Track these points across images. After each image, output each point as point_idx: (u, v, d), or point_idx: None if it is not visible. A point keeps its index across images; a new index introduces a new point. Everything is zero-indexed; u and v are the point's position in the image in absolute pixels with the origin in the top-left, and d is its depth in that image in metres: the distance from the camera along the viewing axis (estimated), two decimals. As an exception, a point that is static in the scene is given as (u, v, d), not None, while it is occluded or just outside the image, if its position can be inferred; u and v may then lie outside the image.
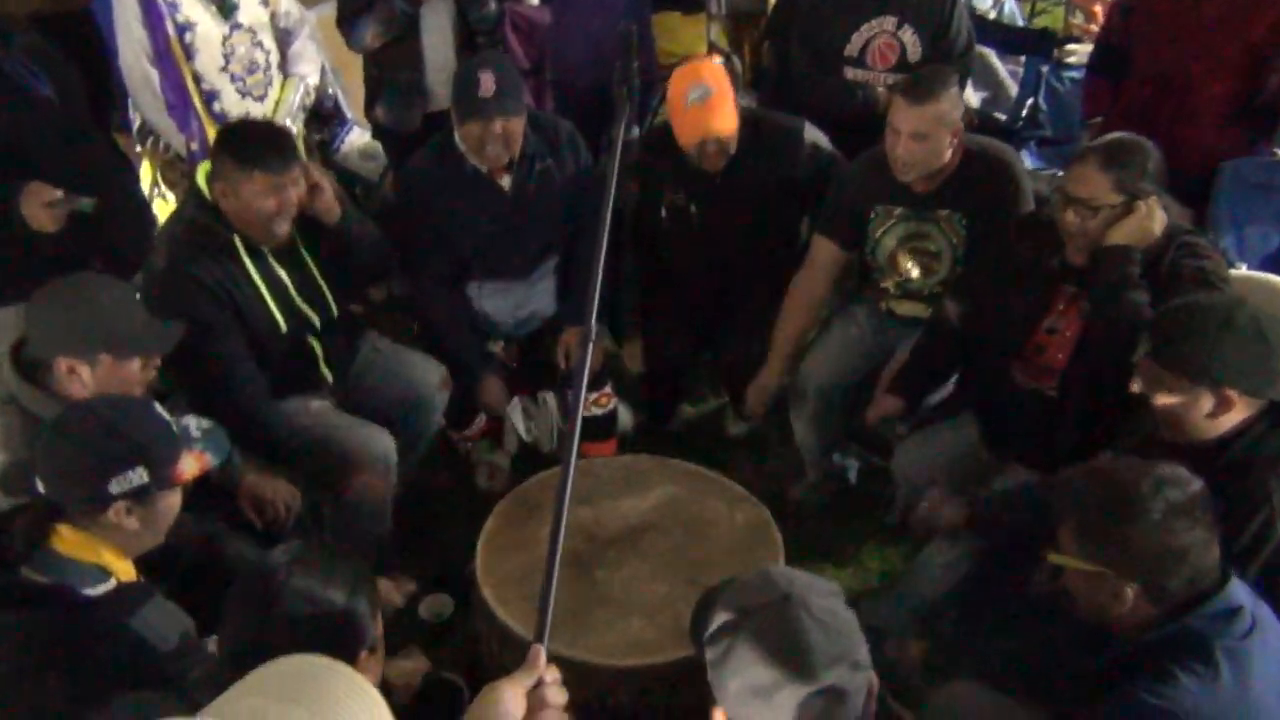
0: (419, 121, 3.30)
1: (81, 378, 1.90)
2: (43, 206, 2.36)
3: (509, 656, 2.02)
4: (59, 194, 2.36)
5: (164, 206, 3.27)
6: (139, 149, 3.20)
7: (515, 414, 3.03)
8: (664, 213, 2.94)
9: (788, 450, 3.13)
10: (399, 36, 3.20)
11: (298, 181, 2.32)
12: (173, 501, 1.71)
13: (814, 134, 2.88)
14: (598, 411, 2.99)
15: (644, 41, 3.45)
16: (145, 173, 3.30)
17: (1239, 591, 1.47)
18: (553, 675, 1.17)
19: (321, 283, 2.49)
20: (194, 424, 1.78)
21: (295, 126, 3.07)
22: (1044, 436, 2.30)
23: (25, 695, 1.51)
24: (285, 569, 1.44)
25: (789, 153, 2.84)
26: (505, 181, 2.76)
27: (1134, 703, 1.43)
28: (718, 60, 2.92)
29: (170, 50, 2.82)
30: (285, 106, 3.07)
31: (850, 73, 3.13)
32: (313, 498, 2.44)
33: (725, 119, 2.69)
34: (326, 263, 2.50)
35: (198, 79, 2.89)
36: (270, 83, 3.04)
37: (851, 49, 3.11)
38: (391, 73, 3.28)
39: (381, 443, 2.52)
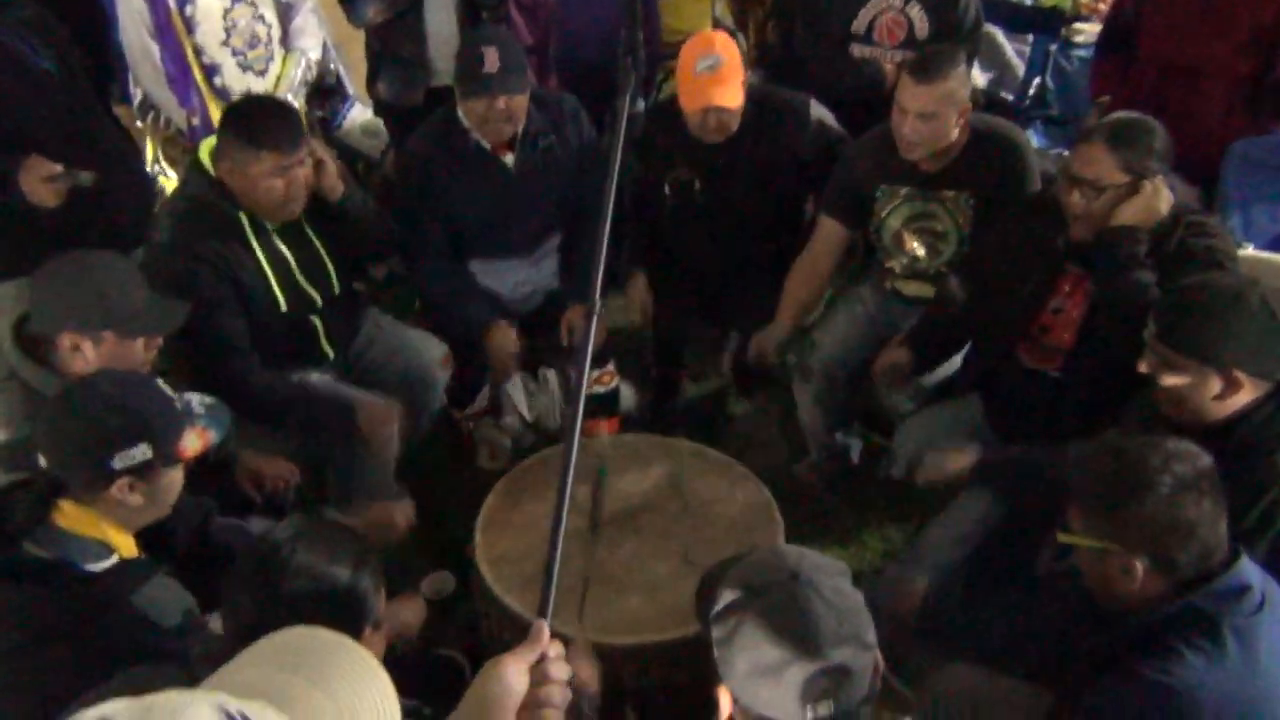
0: (421, 97, 3.27)
1: (85, 354, 1.90)
2: (42, 181, 2.34)
3: (510, 634, 2.02)
4: (59, 168, 2.35)
5: (165, 184, 3.25)
6: (139, 124, 3.18)
7: (517, 392, 3.03)
8: (667, 189, 2.93)
9: (790, 429, 3.13)
10: (401, 11, 3.17)
11: (305, 162, 2.31)
12: (175, 477, 1.71)
13: (820, 111, 2.86)
14: (600, 390, 2.97)
15: (649, 13, 3.43)
16: (146, 150, 3.28)
17: (1248, 569, 1.47)
18: (555, 650, 1.16)
19: (325, 260, 2.48)
20: (196, 400, 1.77)
21: (297, 102, 3.05)
22: (1049, 417, 2.29)
23: (27, 670, 1.52)
24: (289, 546, 1.44)
25: (795, 130, 2.82)
26: (509, 159, 2.74)
27: (1136, 679, 1.43)
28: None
29: (171, 23, 2.80)
30: (287, 81, 3.05)
31: (857, 49, 3.10)
32: (315, 460, 2.43)
33: (730, 93, 2.67)
34: (330, 240, 2.49)
35: (198, 52, 2.87)
36: (271, 57, 3.02)
37: (858, 25, 3.08)
38: (394, 47, 3.26)
39: (386, 399, 2.54)
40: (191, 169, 2.38)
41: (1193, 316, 1.75)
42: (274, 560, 1.43)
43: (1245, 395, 1.74)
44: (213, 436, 1.76)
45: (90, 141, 2.56)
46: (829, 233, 2.79)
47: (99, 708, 0.79)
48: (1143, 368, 1.81)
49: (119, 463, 1.59)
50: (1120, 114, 2.24)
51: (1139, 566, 1.47)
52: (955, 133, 2.51)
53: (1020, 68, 4.13)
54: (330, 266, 2.49)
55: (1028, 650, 1.76)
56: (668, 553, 2.19)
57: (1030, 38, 4.14)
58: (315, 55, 3.17)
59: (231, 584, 1.45)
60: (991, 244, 2.48)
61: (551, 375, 3.05)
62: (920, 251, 2.71)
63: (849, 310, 2.88)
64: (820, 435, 2.99)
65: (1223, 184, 3.03)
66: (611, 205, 1.58)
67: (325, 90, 3.79)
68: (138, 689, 0.82)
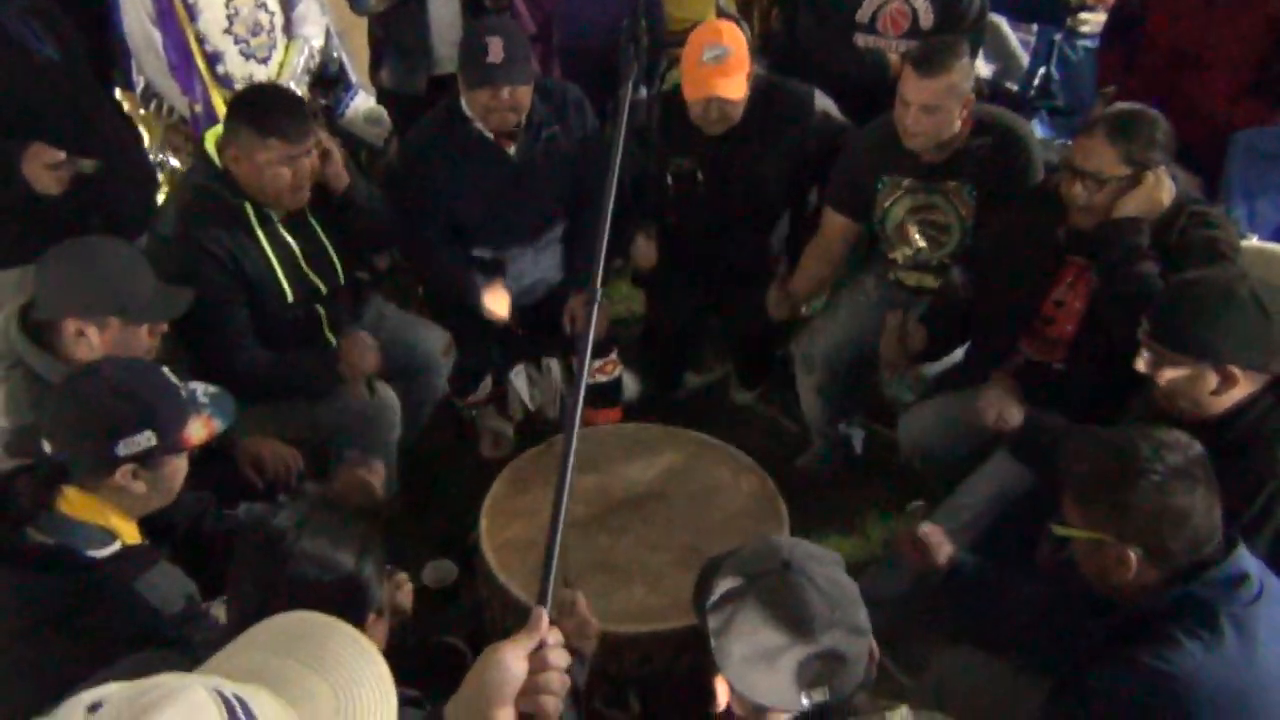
0: (424, 84, 3.27)
1: (90, 340, 1.91)
2: (45, 168, 2.34)
3: (513, 621, 2.03)
4: (61, 156, 2.34)
5: (168, 172, 3.25)
6: (142, 111, 3.17)
7: (519, 381, 3.03)
8: (669, 179, 2.92)
9: (793, 419, 3.13)
10: (404, -1, 3.17)
11: (312, 151, 2.31)
12: (180, 465, 1.71)
13: (824, 102, 2.85)
14: (603, 379, 2.98)
15: (652, 1, 3.41)
16: (149, 138, 3.28)
17: (1246, 559, 1.48)
18: (555, 638, 1.17)
19: (330, 250, 2.48)
20: (201, 389, 1.77)
21: (300, 90, 3.04)
22: (1051, 410, 2.29)
23: (29, 656, 1.53)
24: (294, 532, 1.44)
25: (798, 121, 2.81)
26: (512, 149, 2.74)
27: (1134, 665, 1.43)
28: (730, 27, 2.88)
29: (173, 11, 2.80)
30: (289, 69, 3.04)
31: (861, 39, 3.08)
32: (318, 445, 2.44)
33: (734, 85, 2.66)
34: (335, 230, 2.49)
35: (201, 40, 2.86)
36: (274, 45, 3.02)
37: (862, 15, 3.06)
38: (396, 35, 3.25)
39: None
40: (197, 159, 2.38)
41: (1184, 313, 1.75)
42: (278, 547, 1.43)
43: (1242, 389, 1.75)
44: (217, 425, 1.77)
45: (93, 129, 2.56)
46: (834, 225, 2.79)
47: (94, 691, 0.80)
48: (1139, 366, 1.81)
49: (123, 449, 1.59)
50: (1121, 105, 2.23)
51: (1133, 556, 1.47)
52: (958, 124, 2.50)
53: (1025, 58, 4.11)
54: (335, 256, 2.49)
55: (1038, 632, 1.76)
56: (671, 542, 2.19)
57: (1035, 27, 4.11)
58: (318, 43, 3.16)
59: (236, 569, 1.46)
60: (993, 236, 2.48)
61: (554, 364, 3.05)
62: (922, 243, 2.71)
63: (852, 301, 2.88)
64: (823, 426, 2.99)
65: (1228, 175, 3.02)
66: (613, 194, 1.58)
67: (328, 78, 3.77)
68: (140, 675, 0.82)
